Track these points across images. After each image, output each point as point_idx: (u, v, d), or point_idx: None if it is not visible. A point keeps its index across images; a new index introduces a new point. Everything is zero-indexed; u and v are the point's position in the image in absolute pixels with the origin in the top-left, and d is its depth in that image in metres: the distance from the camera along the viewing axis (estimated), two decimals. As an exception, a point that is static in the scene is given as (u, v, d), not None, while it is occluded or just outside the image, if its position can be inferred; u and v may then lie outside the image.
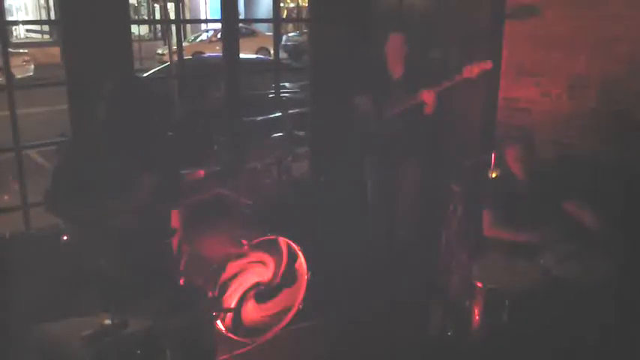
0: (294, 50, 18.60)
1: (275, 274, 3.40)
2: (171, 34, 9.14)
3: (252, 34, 19.88)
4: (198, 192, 3.29)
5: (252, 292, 3.35)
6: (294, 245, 3.42)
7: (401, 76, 3.92)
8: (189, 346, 2.47)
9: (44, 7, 26.44)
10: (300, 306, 3.46)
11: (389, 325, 3.49)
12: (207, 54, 14.64)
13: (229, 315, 3.23)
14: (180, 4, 13.01)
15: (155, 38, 24.58)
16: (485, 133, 4.18)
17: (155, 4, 23.86)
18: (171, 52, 11.44)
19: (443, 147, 4.27)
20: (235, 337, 3.24)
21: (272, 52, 6.11)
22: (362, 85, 4.06)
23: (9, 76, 3.62)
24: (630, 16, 3.46)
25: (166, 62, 13.56)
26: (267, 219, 3.50)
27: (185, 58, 6.14)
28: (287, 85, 7.42)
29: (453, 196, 3.24)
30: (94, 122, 2.54)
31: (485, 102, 4.18)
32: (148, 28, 25.38)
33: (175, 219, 3.08)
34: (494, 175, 3.16)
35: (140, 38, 19.99)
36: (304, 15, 23.01)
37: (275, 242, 3.38)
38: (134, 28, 14.83)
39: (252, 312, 3.36)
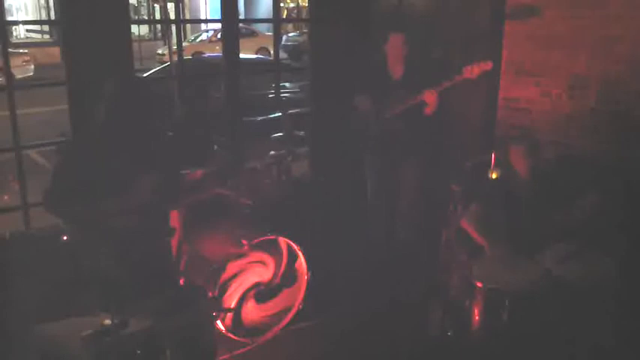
0: (294, 50, 18.60)
1: (275, 274, 3.40)
2: (171, 34, 9.13)
3: (252, 34, 19.88)
4: (198, 192, 3.29)
5: (252, 292, 3.35)
6: (294, 245, 3.42)
7: (401, 76, 3.92)
8: (189, 346, 2.47)
9: (44, 7, 26.44)
10: (300, 306, 3.46)
11: (389, 325, 3.49)
12: (207, 54, 14.64)
13: (229, 315, 3.23)
14: (180, 4, 13.03)
15: (155, 38, 24.58)
16: (486, 133, 4.18)
17: (155, 4, 23.86)
18: (171, 52, 11.43)
19: (443, 147, 4.27)
20: (235, 337, 3.24)
21: (272, 52, 6.11)
22: (362, 85, 4.06)
23: (9, 76, 3.62)
24: (630, 16, 3.46)
25: (166, 62, 13.57)
26: (267, 219, 3.50)
27: (185, 58, 6.15)
28: (287, 85, 7.42)
29: (453, 196, 3.24)
30: (94, 122, 2.54)
31: (485, 102, 4.18)
32: (148, 28, 25.38)
33: (175, 219, 3.08)
34: (494, 175, 3.16)
35: (140, 38, 19.99)
36: (304, 15, 23.02)
37: (275, 242, 3.38)
38: (134, 28, 14.83)
39: (252, 312, 3.36)
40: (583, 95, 3.73)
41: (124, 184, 2.46)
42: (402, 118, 3.84)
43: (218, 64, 4.56)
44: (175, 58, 5.91)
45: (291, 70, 9.74)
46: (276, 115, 4.51)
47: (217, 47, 14.53)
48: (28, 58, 14.50)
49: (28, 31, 26.11)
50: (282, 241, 3.39)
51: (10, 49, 5.37)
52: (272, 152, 4.03)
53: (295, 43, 19.15)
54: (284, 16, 23.22)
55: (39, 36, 25.51)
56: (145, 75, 6.93)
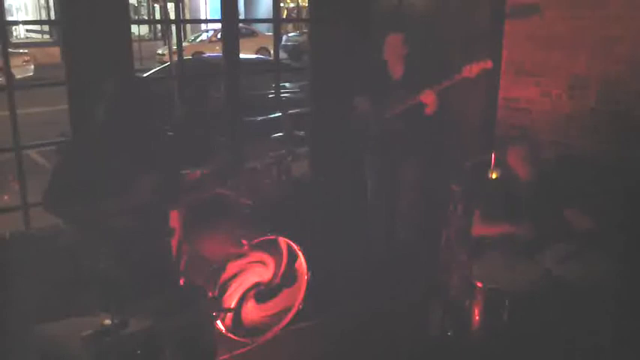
0: (294, 50, 18.60)
1: (275, 274, 3.40)
2: (171, 34, 9.13)
3: (252, 34, 19.89)
4: (198, 192, 3.29)
5: (252, 292, 3.35)
6: (294, 245, 3.42)
7: (401, 76, 3.92)
8: (189, 346, 2.47)
9: (44, 7, 26.44)
10: (300, 306, 3.46)
11: (389, 325, 3.49)
12: (207, 54, 14.64)
13: (229, 315, 3.23)
14: (180, 4, 13.03)
15: (155, 38, 24.58)
16: (486, 133, 4.18)
17: (155, 4, 23.85)
18: (171, 52, 11.43)
19: (443, 147, 4.27)
20: (235, 337, 3.24)
21: (272, 52, 6.11)
22: (362, 85, 4.06)
23: (9, 76, 3.62)
24: (630, 16, 3.46)
25: (166, 62, 13.57)
26: (267, 219, 3.50)
27: (185, 58, 6.14)
28: (287, 85, 7.42)
29: (453, 196, 3.24)
30: (94, 122, 2.54)
31: (485, 102, 4.18)
32: (148, 28, 25.38)
33: (175, 219, 3.08)
34: (494, 175, 3.16)
35: (140, 38, 19.99)
36: (304, 15, 23.02)
37: (275, 242, 3.38)
38: (134, 28, 14.82)
39: (252, 312, 3.36)
40: (583, 95, 3.73)
41: (123, 184, 2.46)
42: (402, 118, 3.84)
43: (218, 64, 4.55)
44: (175, 58, 5.92)
45: (291, 70, 9.74)
46: (276, 115, 4.51)
47: (217, 47, 14.53)
48: (28, 58, 14.50)
49: (28, 31, 26.11)
50: (282, 241, 3.39)
51: (10, 49, 5.37)
52: (272, 152, 4.03)
53: (295, 43, 19.15)
54: (284, 16, 23.22)
55: (39, 36, 25.51)
56: (145, 75, 6.92)
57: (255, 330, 3.35)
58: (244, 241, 3.24)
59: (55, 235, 3.24)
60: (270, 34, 16.12)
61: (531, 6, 3.87)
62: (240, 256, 3.27)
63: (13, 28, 24.48)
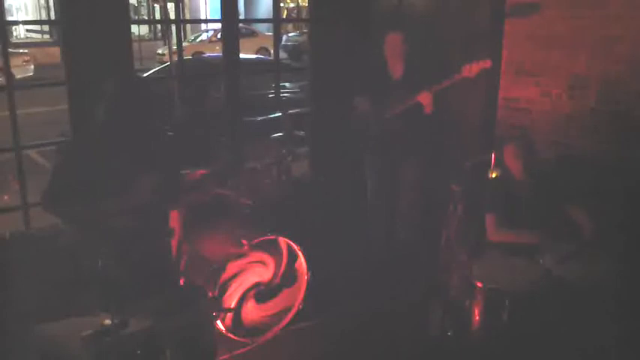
0: (294, 50, 18.60)
1: (275, 274, 3.40)
2: (171, 34, 9.14)
3: (252, 34, 19.89)
4: (198, 192, 3.29)
5: (252, 292, 3.35)
6: (294, 245, 3.42)
7: (401, 76, 3.92)
8: (189, 346, 2.47)
9: (44, 7, 26.45)
10: (300, 306, 3.46)
11: (389, 325, 3.49)
12: (207, 54, 14.64)
13: (229, 315, 3.23)
14: (180, 4, 13.03)
15: (155, 38, 24.59)
16: (485, 133, 4.18)
17: (155, 4, 23.87)
18: (171, 52, 11.43)
19: (443, 147, 4.27)
20: (235, 337, 3.24)
21: (272, 52, 6.11)
22: (362, 85, 4.06)
23: (9, 76, 3.62)
24: (630, 16, 3.46)
25: (166, 62, 13.57)
26: (267, 219, 3.50)
27: (185, 58, 6.14)
28: (287, 85, 7.42)
29: (453, 196, 3.24)
30: (94, 122, 2.54)
31: (485, 102, 4.18)
32: (148, 28, 25.38)
33: (175, 219, 3.08)
34: (494, 175, 3.16)
35: (140, 38, 19.99)
36: (304, 15, 23.02)
37: (275, 242, 3.38)
38: (134, 28, 14.83)
39: (252, 312, 3.36)
40: (583, 95, 3.73)
41: (123, 184, 2.46)
42: (402, 118, 3.84)
43: (218, 64, 4.55)
44: (175, 58, 5.92)
45: (291, 70, 9.74)
46: (276, 115, 4.51)
47: (217, 47, 14.53)
48: (28, 58, 14.50)
49: (28, 31, 26.11)
50: (282, 241, 3.39)
51: (10, 49, 5.37)
52: (272, 152, 4.03)
53: (295, 43, 19.16)
54: (284, 16, 23.23)
55: (39, 36, 25.52)
56: (145, 75, 6.92)
57: (255, 330, 3.35)
58: (244, 241, 3.24)
59: (55, 235, 3.24)
60: (270, 34, 16.11)
61: (531, 5, 3.87)
62: (240, 256, 3.26)
63: (13, 28, 24.48)
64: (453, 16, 4.23)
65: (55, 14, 3.82)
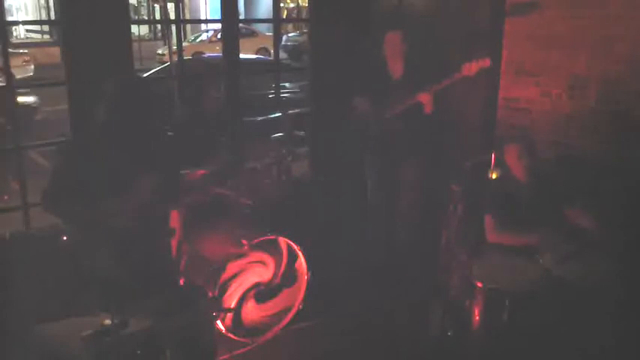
0: (294, 50, 18.60)
1: (275, 274, 3.40)
2: (171, 34, 9.14)
3: (252, 34, 19.88)
4: (198, 192, 3.29)
5: (252, 292, 3.35)
6: (294, 245, 3.42)
7: (401, 75, 3.92)
8: (189, 346, 2.47)
9: (44, 7, 26.45)
10: (300, 306, 3.46)
11: (389, 325, 3.49)
12: (207, 54, 14.64)
13: (229, 315, 3.23)
14: (180, 4, 12.99)
15: (155, 38, 24.58)
16: (485, 133, 4.18)
17: (155, 4, 23.85)
18: (171, 52, 11.43)
19: (443, 147, 4.27)
20: (235, 337, 3.24)
21: (272, 52, 6.11)
22: (362, 85, 4.06)
23: (9, 76, 3.62)
24: (630, 16, 3.46)
25: (166, 62, 13.56)
26: (267, 219, 3.50)
27: (185, 58, 6.15)
28: (287, 85, 7.42)
29: (453, 196, 3.24)
30: (94, 122, 2.55)
31: (485, 102, 4.18)
32: (148, 28, 25.38)
33: (175, 219, 3.08)
34: (494, 175, 3.16)
35: (140, 38, 19.98)
36: (304, 15, 23.02)
37: (275, 242, 3.38)
38: (134, 28, 14.82)
39: (252, 312, 3.36)
40: (583, 95, 3.73)
41: (123, 184, 2.46)
42: (402, 118, 3.84)
43: (218, 64, 4.55)
44: (175, 58, 5.92)
45: (291, 70, 9.74)
46: (276, 115, 4.51)
47: (217, 47, 14.53)
48: (28, 58, 14.50)
49: (28, 31, 26.10)
50: (282, 241, 3.39)
51: (10, 49, 5.37)
52: (272, 152, 4.03)
53: (295, 43, 19.15)
54: (284, 16, 23.22)
55: (39, 36, 25.51)
56: (145, 75, 6.93)
57: (255, 330, 3.35)
58: (244, 241, 3.24)
59: (55, 235, 3.24)
60: (270, 34, 16.11)
61: (531, 4, 3.87)
62: (240, 256, 3.27)
63: (13, 28, 24.47)
64: (453, 15, 4.23)
65: (55, 14, 3.82)
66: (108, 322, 2.24)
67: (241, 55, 4.47)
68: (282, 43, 18.31)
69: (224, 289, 3.21)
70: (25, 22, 33.86)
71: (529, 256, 3.11)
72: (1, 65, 3.75)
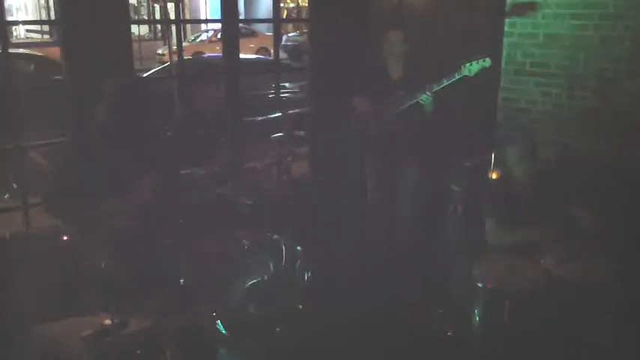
0: (294, 50, 18.59)
1: (275, 274, 3.39)
2: (172, 34, 9.14)
3: (252, 34, 19.87)
4: (198, 192, 3.29)
5: (252, 292, 3.34)
6: (294, 245, 3.41)
7: (400, 75, 3.91)
8: (189, 346, 2.47)
9: (44, 7, 26.43)
10: (300, 306, 3.45)
11: (389, 325, 3.49)
12: (207, 54, 14.64)
13: (229, 315, 3.22)
14: (180, 4, 12.99)
15: (155, 38, 24.58)
16: (485, 133, 4.18)
17: (155, 4, 23.85)
18: (171, 52, 11.44)
19: (443, 147, 4.27)
20: (235, 337, 3.23)
21: (272, 52, 6.11)
22: (362, 85, 4.05)
23: (9, 76, 3.62)
24: (630, 16, 3.46)
25: (166, 62, 13.57)
26: (267, 219, 3.50)
27: (185, 58, 6.15)
28: (287, 85, 7.42)
29: (453, 196, 3.24)
30: (94, 122, 2.55)
31: (485, 102, 4.18)
32: (148, 28, 25.37)
33: (175, 219, 3.08)
34: (494, 175, 3.16)
35: (140, 38, 19.98)
36: (304, 15, 23.01)
37: (275, 242, 3.37)
38: (134, 28, 14.81)
39: (252, 312, 3.36)
40: (583, 95, 3.73)
41: (124, 184, 2.46)
42: (402, 118, 3.84)
43: (218, 64, 4.55)
44: (175, 58, 5.92)
45: (291, 70, 9.74)
46: (276, 115, 4.51)
47: (217, 47, 14.53)
48: (29, 58, 14.46)
49: (28, 31, 26.09)
50: (282, 241, 3.39)
51: (10, 49, 5.36)
52: (272, 152, 4.03)
53: (295, 43, 19.13)
54: (284, 16, 23.21)
55: (39, 36, 25.50)
56: (145, 75, 6.93)
57: (255, 330, 3.34)
58: (244, 241, 3.23)
59: (55, 235, 3.24)
60: (270, 34, 16.10)
61: (531, 5, 3.87)
62: (241, 255, 3.26)
63: (13, 28, 24.46)
64: (453, 15, 4.23)
65: (55, 14, 3.82)
66: (108, 322, 2.24)
67: (241, 55, 4.47)
68: (282, 43, 18.30)
69: (224, 289, 3.21)
70: (25, 22, 33.85)
71: (529, 256, 3.11)
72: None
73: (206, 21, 25.67)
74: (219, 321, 3.09)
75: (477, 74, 3.57)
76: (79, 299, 2.53)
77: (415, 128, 3.88)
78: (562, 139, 3.85)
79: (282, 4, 23.52)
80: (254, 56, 13.28)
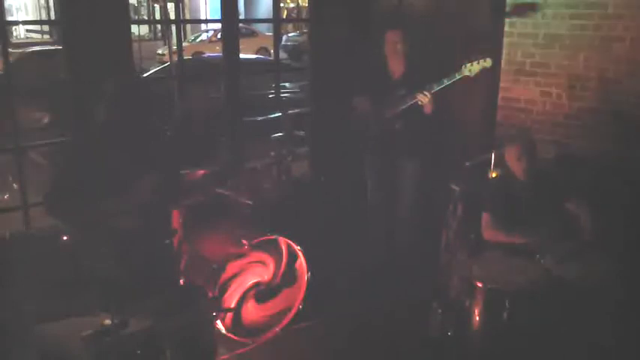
0: (294, 50, 18.59)
1: (275, 274, 3.40)
2: (171, 34, 9.15)
3: (252, 34, 19.87)
4: (198, 192, 3.29)
5: (252, 292, 3.35)
6: (294, 245, 3.42)
7: (401, 75, 3.92)
8: (189, 346, 2.47)
9: (44, 7, 26.44)
10: (300, 306, 3.46)
11: (389, 325, 3.49)
12: (207, 54, 14.63)
13: (229, 315, 3.23)
14: (180, 4, 12.99)
15: (155, 38, 24.57)
16: (485, 133, 4.18)
17: (155, 4, 23.85)
18: (171, 52, 11.44)
19: (443, 147, 4.27)
20: (235, 337, 3.24)
21: (272, 52, 6.11)
22: (362, 85, 4.05)
23: (9, 76, 3.62)
24: (630, 16, 3.46)
25: (166, 62, 13.56)
26: (267, 219, 3.50)
27: (185, 58, 6.15)
28: (287, 85, 7.42)
29: (452, 196, 3.24)
30: (94, 122, 2.55)
31: (485, 102, 4.18)
32: (148, 28, 25.38)
33: (175, 219, 3.08)
34: (494, 175, 3.16)
35: (140, 38, 19.97)
36: (304, 15, 23.01)
37: (275, 242, 3.38)
38: (134, 28, 14.80)
39: (252, 312, 3.36)
40: (583, 95, 3.73)
41: (124, 184, 2.46)
42: (402, 118, 3.84)
43: (218, 64, 4.55)
44: (175, 58, 5.92)
45: (291, 70, 9.74)
46: (276, 115, 4.52)
47: (217, 47, 14.53)
48: (29, 58, 14.45)
49: (28, 31, 26.10)
50: (282, 241, 3.39)
51: (10, 49, 5.36)
52: (272, 152, 4.03)
53: (295, 43, 19.13)
54: (284, 16, 23.21)
55: (39, 36, 25.50)
56: (144, 75, 6.93)
57: (255, 330, 3.35)
58: (244, 241, 3.24)
59: (55, 235, 3.24)
60: (270, 34, 16.10)
61: (531, 5, 3.87)
62: (240, 256, 3.27)
63: (13, 28, 24.47)
64: (453, 15, 4.23)
65: (55, 14, 3.82)
66: (108, 322, 2.24)
67: (241, 55, 4.47)
68: (282, 43, 18.29)
69: (224, 289, 3.21)
70: (25, 22, 33.88)
71: (529, 256, 3.11)
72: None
73: (206, 21, 25.67)
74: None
75: (477, 74, 3.58)
76: (79, 299, 2.53)
77: (415, 128, 3.88)
78: (562, 139, 3.85)
79: (282, 4, 23.52)
80: (254, 56, 13.27)
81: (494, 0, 4.04)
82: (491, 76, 3.92)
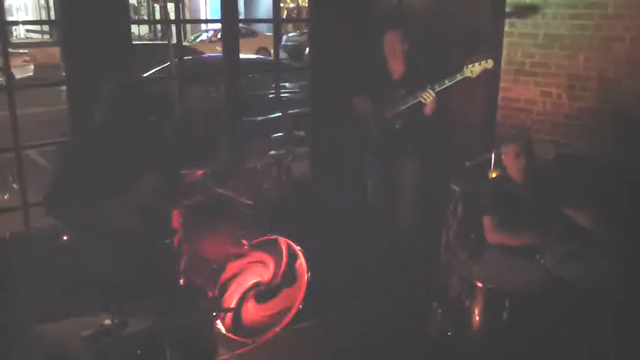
0: (294, 50, 18.59)
1: (275, 274, 3.40)
2: (172, 34, 9.15)
3: (252, 34, 19.87)
4: (198, 192, 3.29)
5: (252, 292, 3.35)
6: (294, 245, 3.41)
7: (401, 75, 3.92)
8: (189, 346, 2.47)
9: (44, 7, 26.43)
10: (300, 306, 3.46)
11: (389, 325, 3.49)
12: (207, 54, 14.63)
13: (229, 315, 3.23)
14: (180, 4, 12.99)
15: (155, 38, 24.57)
16: (485, 133, 4.18)
17: (155, 4, 23.84)
18: (171, 52, 11.40)
19: (443, 147, 4.27)
20: (235, 337, 3.24)
21: (272, 52, 6.11)
22: (362, 85, 4.06)
23: (9, 76, 3.62)
24: (630, 16, 3.46)
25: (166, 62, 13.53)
26: (267, 219, 3.50)
27: (185, 58, 6.15)
28: (287, 85, 7.42)
29: (452, 196, 3.24)
30: (94, 122, 2.54)
31: (485, 102, 4.18)
32: (148, 28, 25.37)
33: (175, 219, 3.08)
34: (494, 175, 3.16)
35: (140, 38, 19.97)
36: (304, 15, 23.00)
37: (275, 242, 3.38)
38: (134, 28, 14.81)
39: (252, 312, 3.36)
40: (583, 95, 3.73)
41: (124, 184, 2.46)
42: (402, 118, 3.84)
43: (218, 64, 4.56)
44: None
45: (291, 70, 9.74)
46: (276, 115, 4.52)
47: (217, 47, 14.52)
48: (28, 58, 14.47)
49: (28, 31, 26.09)
50: (282, 241, 3.39)
51: (10, 49, 5.37)
52: (272, 152, 4.03)
53: (295, 43, 19.13)
54: (284, 16, 23.20)
55: (39, 36, 25.49)
56: (145, 75, 6.92)
57: (255, 330, 3.35)
58: (244, 241, 3.24)
59: (55, 235, 3.24)
60: (270, 34, 16.10)
61: (531, 5, 3.87)
62: (240, 256, 3.27)
63: (13, 28, 24.46)
64: (453, 16, 4.23)
65: (55, 14, 3.82)
66: (108, 322, 2.24)
67: (241, 55, 4.47)
68: (282, 43, 18.30)
69: (224, 289, 3.21)
70: (25, 22, 33.84)
71: (529, 256, 3.11)
72: (1, 65, 3.74)
73: (206, 21, 25.67)
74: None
75: (478, 75, 3.58)
76: (79, 299, 2.53)
77: (415, 128, 3.88)
78: (562, 139, 3.85)
79: (282, 4, 23.51)
80: (254, 56, 13.26)
81: (494, 0, 4.04)
82: (491, 76, 3.92)
